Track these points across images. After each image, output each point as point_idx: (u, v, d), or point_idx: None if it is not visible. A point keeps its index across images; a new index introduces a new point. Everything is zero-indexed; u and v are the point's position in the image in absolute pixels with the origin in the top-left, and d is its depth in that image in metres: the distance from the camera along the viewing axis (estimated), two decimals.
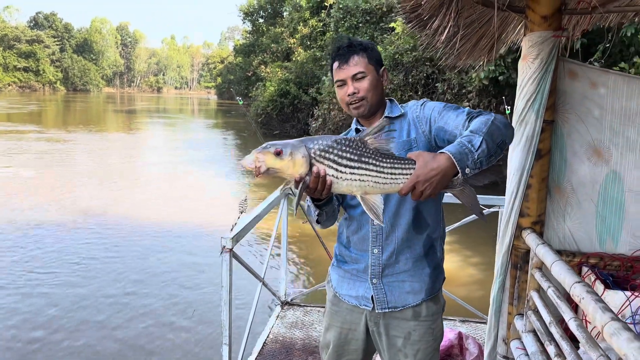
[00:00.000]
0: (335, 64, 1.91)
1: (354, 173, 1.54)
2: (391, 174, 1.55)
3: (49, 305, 5.95)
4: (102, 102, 66.34)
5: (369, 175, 1.55)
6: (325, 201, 1.79)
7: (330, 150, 1.54)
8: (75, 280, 6.73)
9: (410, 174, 1.53)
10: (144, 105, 63.53)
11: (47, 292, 6.32)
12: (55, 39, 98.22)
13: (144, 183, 13.64)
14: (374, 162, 1.54)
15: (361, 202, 1.59)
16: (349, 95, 1.87)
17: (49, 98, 69.13)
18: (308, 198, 1.77)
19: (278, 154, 1.49)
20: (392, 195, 1.86)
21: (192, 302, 6.18)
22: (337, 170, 1.54)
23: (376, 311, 1.94)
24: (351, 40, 1.92)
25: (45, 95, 77.59)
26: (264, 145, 1.52)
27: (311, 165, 1.52)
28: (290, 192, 4.26)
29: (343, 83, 1.90)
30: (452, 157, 1.50)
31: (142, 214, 10.09)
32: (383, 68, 1.94)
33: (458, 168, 1.50)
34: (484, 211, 4.13)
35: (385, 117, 1.92)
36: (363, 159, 1.54)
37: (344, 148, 1.54)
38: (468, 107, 1.81)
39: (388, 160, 1.55)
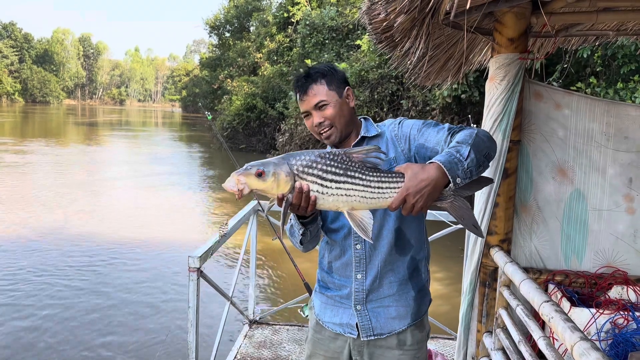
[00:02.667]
0: (298, 96, 1.88)
1: (340, 188, 1.51)
2: (379, 187, 1.51)
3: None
4: (62, 114, 64.71)
5: (356, 190, 1.51)
6: (310, 219, 1.75)
7: (314, 165, 1.50)
8: (28, 300, 6.48)
9: (399, 187, 1.49)
10: (105, 118, 62.28)
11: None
12: (14, 49, 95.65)
13: (104, 199, 13.30)
14: (360, 175, 1.51)
15: (348, 219, 1.55)
16: (316, 125, 1.83)
17: (6, 109, 67.05)
18: (292, 217, 1.73)
19: (260, 175, 1.46)
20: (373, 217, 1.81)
21: (155, 323, 6.02)
22: (322, 185, 1.50)
23: (361, 339, 1.88)
24: (309, 69, 1.87)
25: (2, 107, 75.26)
26: (244, 166, 1.48)
27: (294, 181, 1.49)
28: (260, 209, 4.22)
29: (308, 114, 1.85)
30: (443, 166, 1.46)
31: (103, 231, 9.82)
32: (347, 88, 1.87)
33: (449, 177, 1.46)
34: (451, 227, 4.20)
35: (362, 136, 1.88)
36: (349, 172, 1.51)
37: (328, 162, 1.51)
38: (448, 124, 1.79)
39: (375, 174, 1.52)
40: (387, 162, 1.82)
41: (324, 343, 1.98)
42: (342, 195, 1.51)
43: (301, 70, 1.92)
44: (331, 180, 1.50)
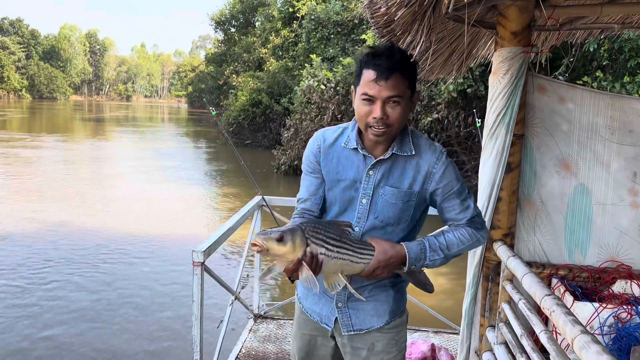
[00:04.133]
0: (370, 74, 1.60)
1: (339, 252, 1.63)
2: (361, 254, 1.67)
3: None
4: (69, 110, 64.99)
5: (348, 254, 1.65)
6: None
7: (319, 231, 1.62)
8: (39, 294, 6.53)
9: (371, 256, 1.67)
10: (112, 113, 62.50)
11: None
12: (21, 46, 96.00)
13: (111, 193, 13.37)
14: (349, 242, 1.66)
15: (324, 279, 1.67)
16: (374, 117, 1.62)
17: (13, 106, 67.41)
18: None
19: (280, 240, 1.54)
20: (362, 229, 1.80)
21: (160, 316, 6.06)
22: (327, 249, 1.61)
23: (341, 333, 1.91)
24: (393, 52, 1.60)
25: (10, 103, 75.66)
26: (266, 231, 1.57)
27: (307, 245, 1.59)
28: (264, 204, 4.23)
29: (371, 101, 1.62)
30: (407, 257, 1.70)
31: (108, 225, 9.87)
32: (418, 92, 1.69)
33: (406, 265, 1.71)
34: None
35: (393, 154, 1.74)
36: (342, 239, 1.65)
37: (327, 229, 1.64)
38: (473, 206, 1.78)
39: (356, 242, 1.68)
40: (407, 195, 1.75)
41: (309, 323, 2.00)
42: (340, 258, 1.63)
43: (377, 45, 1.67)
44: (333, 245, 1.62)
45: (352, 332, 1.90)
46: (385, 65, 1.57)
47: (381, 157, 1.74)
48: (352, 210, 1.80)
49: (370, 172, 1.76)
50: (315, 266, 1.59)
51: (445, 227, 1.81)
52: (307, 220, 1.67)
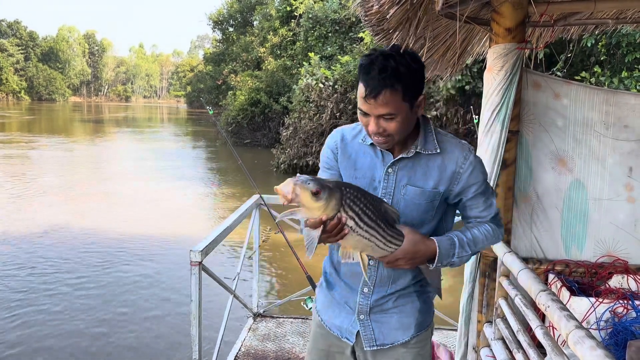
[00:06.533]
0: (362, 89, 1.54)
1: (368, 231, 1.50)
2: (389, 241, 1.54)
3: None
4: (68, 111, 64.96)
5: (376, 238, 1.52)
6: None
7: (357, 202, 1.47)
8: (34, 295, 6.54)
9: (398, 245, 1.55)
10: (112, 114, 62.48)
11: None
12: (20, 48, 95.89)
13: (110, 193, 13.38)
14: (383, 226, 1.52)
15: (341, 253, 1.55)
16: (372, 132, 1.59)
17: (12, 108, 67.38)
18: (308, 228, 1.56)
19: (316, 193, 1.40)
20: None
21: (158, 315, 6.06)
22: (356, 223, 1.47)
23: (363, 348, 1.78)
24: (385, 65, 1.49)
25: (9, 105, 75.63)
26: (303, 179, 1.40)
27: (338, 211, 1.46)
28: (262, 202, 4.23)
29: (367, 115, 1.57)
30: (438, 253, 1.59)
31: (107, 225, 9.88)
32: (422, 97, 1.59)
33: (435, 262, 1.60)
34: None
35: (416, 152, 1.66)
36: (379, 221, 1.51)
37: (367, 204, 1.49)
38: (495, 203, 1.76)
39: (391, 229, 1.55)
40: (431, 195, 1.67)
41: (327, 338, 1.87)
42: (365, 238, 1.51)
43: (373, 53, 1.55)
44: (364, 222, 1.48)
45: (375, 347, 1.77)
46: (373, 82, 1.50)
47: (403, 155, 1.66)
48: None
49: (390, 170, 1.68)
50: (337, 234, 1.45)
51: (470, 224, 1.74)
52: (352, 185, 1.49)
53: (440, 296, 1.79)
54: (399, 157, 1.66)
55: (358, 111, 1.61)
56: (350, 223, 1.46)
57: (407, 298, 1.76)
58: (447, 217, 1.78)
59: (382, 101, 1.50)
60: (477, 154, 2.65)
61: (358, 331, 1.77)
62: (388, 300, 1.75)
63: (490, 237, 1.71)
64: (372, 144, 1.69)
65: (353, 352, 1.82)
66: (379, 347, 1.77)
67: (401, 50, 1.55)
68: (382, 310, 1.76)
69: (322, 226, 1.43)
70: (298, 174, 1.42)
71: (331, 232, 1.44)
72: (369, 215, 1.48)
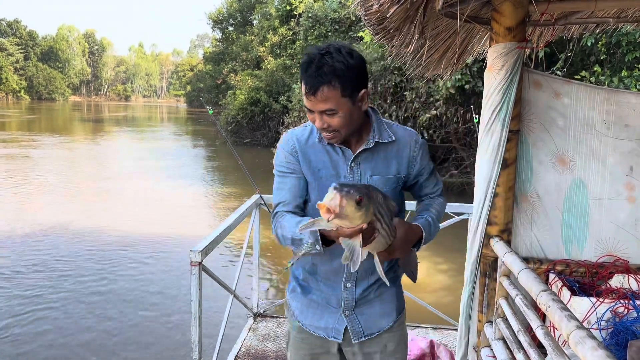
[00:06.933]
0: (303, 87, 1.60)
1: (385, 230, 1.52)
2: (392, 236, 1.58)
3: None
4: (68, 111, 64.92)
5: (387, 235, 1.55)
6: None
7: (381, 204, 1.49)
8: (37, 293, 6.53)
9: (394, 237, 1.60)
10: (111, 114, 62.44)
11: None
12: (19, 47, 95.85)
13: (110, 193, 13.37)
14: (390, 224, 1.55)
15: (347, 256, 1.50)
16: (318, 127, 1.65)
17: (12, 107, 67.34)
18: (309, 235, 1.54)
19: (359, 202, 1.35)
20: None
21: (158, 315, 6.06)
22: (381, 226, 1.50)
23: (352, 342, 1.81)
24: (322, 63, 1.54)
25: (9, 104, 75.57)
26: (345, 189, 1.35)
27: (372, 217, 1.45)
28: (262, 202, 4.22)
29: (311, 112, 1.63)
30: (423, 237, 1.72)
31: (107, 225, 9.88)
32: (363, 92, 1.63)
33: (420, 244, 1.73)
34: (454, 219, 4.19)
35: (376, 142, 1.71)
36: (390, 221, 1.55)
37: (383, 204, 1.50)
38: (439, 182, 1.93)
39: (391, 225, 1.58)
40: (395, 181, 1.75)
41: (309, 341, 1.87)
42: (383, 237, 1.52)
43: (311, 52, 1.60)
44: (385, 223, 1.51)
45: (363, 339, 1.82)
46: (312, 80, 1.54)
47: (364, 147, 1.70)
48: None
49: (353, 165, 1.71)
50: (370, 240, 1.45)
51: (426, 201, 1.88)
52: (369, 185, 1.49)
53: (414, 280, 1.85)
54: (361, 149, 1.70)
55: (307, 113, 1.66)
56: (378, 226, 1.47)
57: (385, 286, 1.83)
58: (403, 199, 1.89)
59: (321, 97, 1.55)
60: (478, 153, 2.66)
61: (346, 327, 1.81)
62: (370, 291, 1.81)
63: (443, 209, 1.89)
64: (330, 144, 1.73)
65: (339, 349, 1.85)
66: (367, 338, 1.82)
67: (339, 48, 1.59)
68: (365, 303, 1.81)
69: (361, 234, 1.39)
70: (334, 183, 1.36)
71: (367, 240, 1.43)
72: (387, 215, 1.52)
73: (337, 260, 1.71)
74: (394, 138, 1.73)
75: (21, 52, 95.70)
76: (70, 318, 5.89)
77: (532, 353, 2.00)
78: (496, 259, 2.58)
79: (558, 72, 9.06)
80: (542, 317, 2.20)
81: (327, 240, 1.53)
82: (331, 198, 1.32)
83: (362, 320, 1.81)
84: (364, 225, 1.38)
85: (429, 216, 1.77)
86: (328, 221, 1.34)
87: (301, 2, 23.97)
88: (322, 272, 1.80)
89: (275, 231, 1.72)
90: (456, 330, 3.92)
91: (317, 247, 1.53)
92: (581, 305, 2.36)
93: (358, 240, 1.39)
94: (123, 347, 5.27)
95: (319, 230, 1.49)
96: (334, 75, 1.53)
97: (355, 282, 1.78)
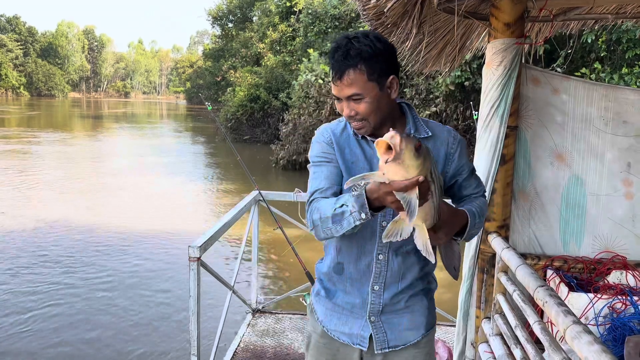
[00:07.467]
0: (331, 73, 1.58)
1: (437, 198, 1.37)
2: (438, 211, 1.42)
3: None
4: (68, 107, 64.89)
5: (435, 206, 1.37)
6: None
7: (435, 167, 1.35)
8: (33, 290, 6.54)
9: (436, 214, 1.43)
10: (111, 110, 62.41)
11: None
12: (19, 43, 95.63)
13: (109, 189, 13.37)
14: (441, 195, 1.39)
15: (391, 228, 1.37)
16: (345, 116, 1.60)
17: (12, 103, 67.30)
18: (354, 200, 1.42)
19: (418, 149, 1.24)
20: (389, 218, 1.61)
21: (156, 311, 6.07)
22: (435, 188, 1.34)
23: (374, 352, 1.72)
24: (349, 47, 1.52)
25: (8, 101, 75.52)
26: (403, 133, 1.25)
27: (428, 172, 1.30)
28: (261, 198, 4.23)
29: (339, 100, 1.59)
30: (469, 222, 1.56)
31: (106, 222, 9.87)
32: (392, 78, 1.57)
33: (465, 232, 1.57)
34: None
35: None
36: (440, 192, 1.40)
37: (437, 172, 1.37)
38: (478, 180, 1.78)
39: (441, 197, 1.43)
40: None
41: (330, 347, 1.79)
42: (433, 206, 1.36)
43: (339, 38, 1.57)
44: (436, 188, 1.36)
45: (387, 350, 1.71)
46: (337, 64, 1.52)
47: None
48: None
49: None
50: (424, 198, 1.29)
51: (466, 200, 1.73)
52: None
53: (456, 277, 1.71)
54: None
55: (335, 102, 1.61)
56: (432, 187, 1.33)
57: (416, 297, 1.73)
58: None
59: (347, 82, 1.51)
60: (476, 149, 2.66)
61: (370, 335, 1.71)
62: (400, 299, 1.70)
63: (486, 210, 1.73)
64: (364, 138, 1.67)
65: (361, 357, 1.76)
66: (391, 349, 1.72)
67: (366, 33, 1.56)
68: (394, 311, 1.71)
69: (417, 189, 1.25)
70: (391, 129, 1.26)
71: (424, 194, 1.29)
72: (439, 182, 1.38)
73: (364, 259, 1.66)
74: (430, 134, 1.65)
75: (20, 48, 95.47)
76: (65, 312, 5.90)
77: (530, 348, 2.01)
78: (494, 254, 2.59)
79: (558, 69, 9.06)
80: (540, 312, 2.21)
81: (373, 209, 1.42)
82: (391, 136, 1.22)
83: (387, 329, 1.71)
84: (421, 178, 1.25)
85: (473, 207, 1.62)
86: (386, 162, 1.23)
87: None
88: (349, 272, 1.71)
89: (310, 218, 1.60)
90: (454, 326, 3.93)
91: (363, 214, 1.40)
92: (579, 301, 2.37)
93: (414, 193, 1.25)
94: (119, 340, 5.27)
95: (364, 195, 1.39)
96: (360, 59, 1.51)
97: (384, 285, 1.68)
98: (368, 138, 1.65)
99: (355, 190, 1.47)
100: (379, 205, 1.38)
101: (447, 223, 1.47)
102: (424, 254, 1.39)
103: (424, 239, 1.38)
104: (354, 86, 1.52)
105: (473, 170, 1.73)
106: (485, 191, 1.79)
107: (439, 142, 1.65)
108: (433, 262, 1.44)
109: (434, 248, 1.45)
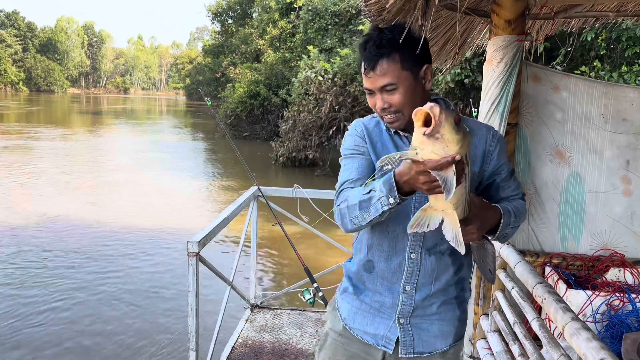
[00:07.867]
0: (362, 66, 1.54)
1: (469, 184, 1.32)
2: (468, 202, 1.36)
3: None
4: (67, 103, 64.80)
5: (466, 195, 1.31)
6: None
7: (470, 150, 1.27)
8: (33, 285, 6.55)
9: (467, 208, 1.38)
10: (110, 106, 62.33)
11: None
12: (18, 39, 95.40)
13: (108, 185, 13.37)
14: (473, 181, 1.34)
15: (420, 216, 1.32)
16: (379, 109, 1.54)
17: (11, 99, 67.18)
18: (382, 185, 1.37)
19: (457, 123, 1.18)
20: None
21: (155, 306, 6.08)
22: (468, 172, 1.27)
23: (398, 355, 1.65)
24: (380, 38, 1.48)
25: (7, 96, 75.37)
26: (447, 104, 1.22)
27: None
28: (260, 194, 4.23)
29: (372, 93, 1.54)
30: (502, 219, 1.49)
31: (105, 218, 9.88)
32: (426, 67, 1.53)
33: (499, 229, 1.50)
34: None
35: None
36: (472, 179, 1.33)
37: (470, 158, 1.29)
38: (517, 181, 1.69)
39: (473, 183, 1.37)
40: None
41: (349, 346, 1.72)
42: (464, 192, 1.30)
43: (369, 31, 1.54)
44: (470, 172, 1.29)
45: (412, 355, 1.65)
46: (369, 54, 1.49)
47: None
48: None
49: None
50: (460, 177, 1.22)
51: (502, 203, 1.63)
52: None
53: (492, 281, 1.66)
54: None
55: (366, 95, 1.58)
56: (466, 170, 1.25)
57: (449, 305, 1.66)
58: None
59: (380, 71, 1.47)
60: None
61: (398, 337, 1.64)
62: (432, 304, 1.63)
63: (524, 212, 1.65)
64: (397, 133, 1.62)
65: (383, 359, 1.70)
66: (416, 355, 1.65)
67: (397, 24, 1.54)
68: (424, 315, 1.64)
69: (454, 167, 1.18)
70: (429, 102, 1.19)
71: (461, 173, 1.23)
72: (472, 168, 1.31)
73: (396, 257, 1.61)
74: (468, 130, 1.56)
75: (20, 44, 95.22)
76: (65, 308, 5.91)
77: (528, 345, 2.02)
78: None
79: (558, 67, 9.05)
80: (538, 309, 2.21)
81: (402, 193, 1.36)
82: (431, 106, 1.15)
83: (415, 333, 1.64)
84: (458, 157, 1.17)
85: (508, 206, 1.55)
86: (424, 134, 1.16)
87: None
88: (379, 270, 1.65)
89: (338, 208, 1.56)
90: None
91: (392, 198, 1.34)
92: (577, 298, 2.37)
93: (451, 171, 1.18)
94: (118, 334, 5.28)
95: (393, 180, 1.33)
96: (393, 48, 1.47)
97: (416, 285, 1.61)
98: (401, 133, 1.61)
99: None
100: (408, 189, 1.33)
101: (478, 217, 1.41)
102: (452, 244, 1.31)
103: (454, 228, 1.29)
104: (387, 76, 1.48)
105: (512, 171, 1.66)
106: (524, 194, 1.71)
107: (477, 139, 1.58)
108: (463, 252, 1.33)
109: (467, 248, 1.38)
